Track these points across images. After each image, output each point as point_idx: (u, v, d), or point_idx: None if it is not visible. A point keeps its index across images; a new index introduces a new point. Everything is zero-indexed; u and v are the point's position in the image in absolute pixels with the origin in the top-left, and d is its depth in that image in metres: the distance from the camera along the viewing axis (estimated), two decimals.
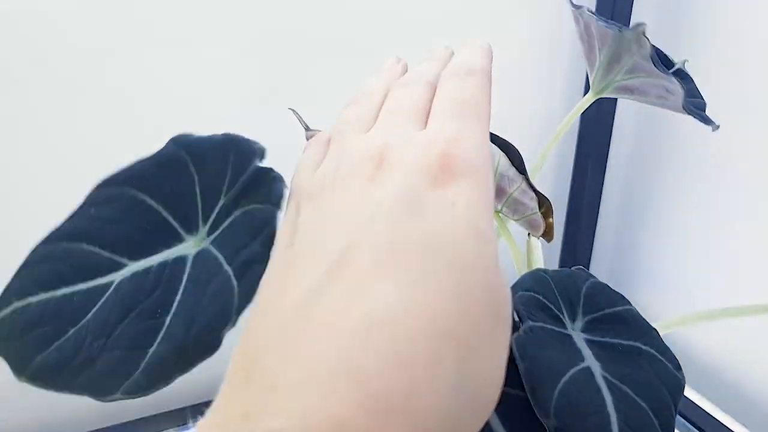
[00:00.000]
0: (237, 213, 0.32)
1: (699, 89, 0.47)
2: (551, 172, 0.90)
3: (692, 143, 0.76)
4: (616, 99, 0.82)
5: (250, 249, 0.30)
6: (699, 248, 0.78)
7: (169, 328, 0.28)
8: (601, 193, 0.88)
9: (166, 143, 0.35)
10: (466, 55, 0.29)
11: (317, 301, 0.20)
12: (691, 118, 0.46)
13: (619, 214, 0.89)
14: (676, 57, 0.44)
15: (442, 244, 0.21)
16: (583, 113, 0.86)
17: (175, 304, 0.29)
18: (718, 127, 0.42)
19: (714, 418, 0.70)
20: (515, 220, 0.42)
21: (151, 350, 0.27)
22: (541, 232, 0.41)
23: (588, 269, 0.95)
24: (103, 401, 0.27)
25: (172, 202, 0.34)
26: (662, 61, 0.47)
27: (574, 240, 0.88)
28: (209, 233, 0.33)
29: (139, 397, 0.27)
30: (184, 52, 0.66)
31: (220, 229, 0.32)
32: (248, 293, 0.29)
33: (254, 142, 0.32)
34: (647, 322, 0.37)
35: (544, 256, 0.43)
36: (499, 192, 0.42)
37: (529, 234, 0.41)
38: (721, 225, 0.75)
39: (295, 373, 0.18)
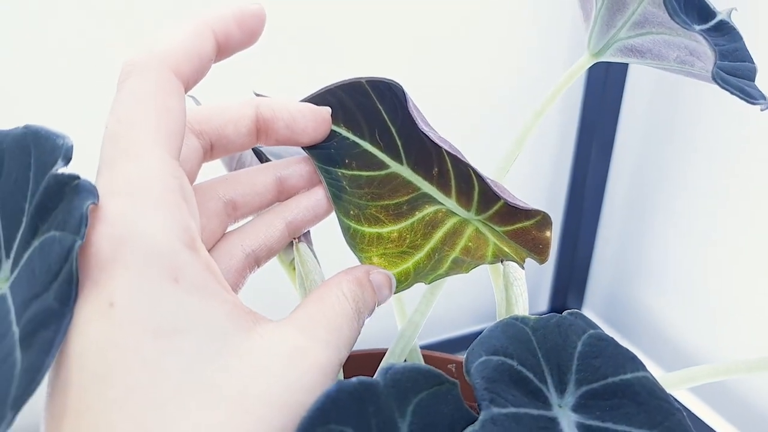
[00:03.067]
0: (35, 244, 0.20)
1: (749, 50, 0.34)
2: (549, 158, 0.78)
3: (722, 124, 0.64)
4: (625, 66, 0.69)
5: (43, 302, 0.19)
6: (714, 245, 0.67)
7: None
8: (605, 181, 0.76)
9: None
10: None
11: None
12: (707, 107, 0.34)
13: (625, 206, 0.78)
14: (719, 4, 0.32)
15: None
16: (587, 86, 0.75)
17: None
18: None
19: None
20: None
21: None
22: (524, 256, 0.30)
23: (589, 268, 0.84)
24: None
25: None
26: (695, 8, 0.34)
27: (575, 235, 0.76)
28: (12, 271, 0.21)
29: None
30: None
31: (19, 267, 0.21)
32: (29, 375, 0.18)
33: (58, 136, 0.21)
34: (669, 396, 0.25)
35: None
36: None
37: (501, 260, 0.30)
38: (736, 221, 0.63)
39: None
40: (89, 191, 0.19)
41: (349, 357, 0.26)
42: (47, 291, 0.19)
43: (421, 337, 0.77)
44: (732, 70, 0.33)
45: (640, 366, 0.26)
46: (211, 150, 0.28)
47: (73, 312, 0.19)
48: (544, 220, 0.30)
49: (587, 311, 0.87)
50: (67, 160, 0.20)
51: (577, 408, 0.25)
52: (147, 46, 0.23)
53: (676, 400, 0.26)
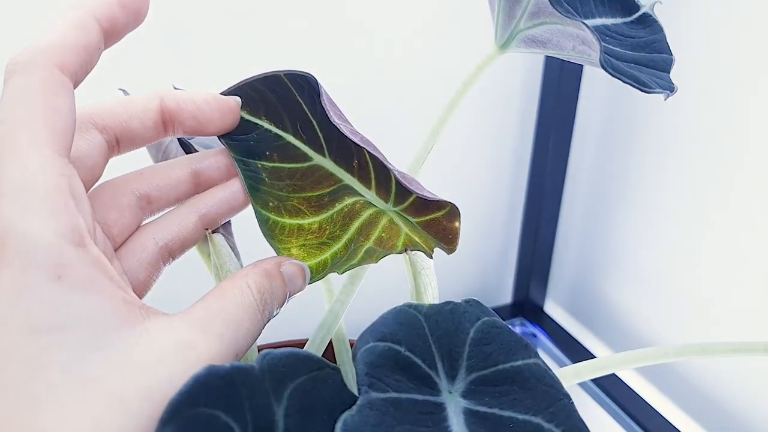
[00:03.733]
0: None
1: (668, 43, 0.35)
2: (509, 149, 0.78)
3: (666, 130, 0.65)
4: (581, 65, 0.69)
5: None
6: (675, 235, 0.67)
7: None
8: (565, 172, 0.77)
9: None
10: None
11: None
12: (684, 81, 0.34)
13: (586, 196, 0.78)
14: None
15: None
16: (545, 81, 0.75)
17: None
18: (668, 95, 0.31)
19: None
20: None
21: None
22: (431, 246, 0.30)
23: (551, 258, 0.85)
24: None
25: None
26: (619, 2, 0.35)
27: (536, 226, 0.77)
28: None
29: None
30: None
31: None
32: None
33: None
34: (557, 382, 0.26)
35: (502, 241, 0.31)
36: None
37: (405, 249, 0.30)
38: (698, 208, 0.64)
39: None
40: None
41: (270, 347, 0.26)
42: None
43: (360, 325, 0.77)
44: (646, 61, 0.34)
45: (533, 353, 0.27)
46: (117, 144, 0.28)
47: None
48: (453, 211, 0.30)
49: (550, 302, 0.88)
50: None
51: (467, 394, 0.25)
52: (30, 43, 0.23)
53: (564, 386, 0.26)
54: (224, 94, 0.30)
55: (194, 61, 0.58)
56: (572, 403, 0.25)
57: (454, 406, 0.25)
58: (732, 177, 0.60)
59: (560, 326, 0.82)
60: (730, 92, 0.58)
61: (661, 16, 0.37)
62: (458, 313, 0.27)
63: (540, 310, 0.86)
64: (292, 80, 0.30)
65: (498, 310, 0.90)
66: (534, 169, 0.76)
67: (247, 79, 0.30)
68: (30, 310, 0.20)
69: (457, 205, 0.30)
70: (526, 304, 0.86)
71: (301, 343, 0.36)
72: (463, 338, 0.26)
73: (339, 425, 0.22)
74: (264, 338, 0.31)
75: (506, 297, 0.89)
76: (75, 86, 0.24)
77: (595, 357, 0.79)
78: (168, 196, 0.30)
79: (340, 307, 0.33)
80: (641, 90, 0.28)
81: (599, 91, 0.72)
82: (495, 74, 0.72)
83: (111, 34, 0.25)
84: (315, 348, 0.34)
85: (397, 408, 0.23)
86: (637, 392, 0.67)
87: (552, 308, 0.87)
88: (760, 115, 0.56)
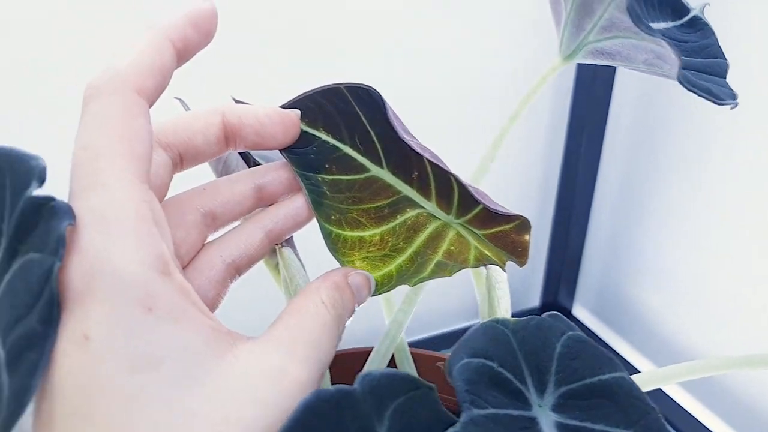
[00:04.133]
0: (15, 266, 0.21)
1: (721, 47, 0.35)
2: (539, 156, 0.78)
3: (698, 134, 0.65)
4: (612, 75, 0.70)
5: (26, 324, 0.19)
6: (698, 246, 0.68)
7: None
8: (596, 177, 0.77)
9: None
10: None
11: None
12: (696, 107, 0.34)
13: (616, 201, 0.78)
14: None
15: None
16: (576, 82, 0.75)
17: None
18: (735, 104, 0.31)
19: None
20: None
21: None
22: (505, 258, 0.31)
23: (580, 263, 0.85)
24: None
25: None
26: (669, 4, 0.35)
27: (566, 231, 0.77)
28: None
29: None
30: None
31: (1, 287, 0.21)
32: (18, 399, 0.18)
33: (31, 157, 0.21)
34: (644, 395, 0.26)
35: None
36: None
37: (484, 264, 0.30)
38: (727, 216, 0.64)
39: None
40: (65, 212, 0.20)
41: (335, 356, 0.27)
42: (30, 313, 0.19)
43: (411, 333, 0.78)
44: (702, 67, 0.34)
45: (618, 367, 0.27)
46: (180, 161, 0.28)
47: (56, 335, 0.19)
48: (523, 224, 0.30)
49: (579, 307, 0.88)
50: (41, 181, 0.21)
51: (557, 408, 0.26)
52: (108, 67, 0.23)
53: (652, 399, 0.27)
54: (284, 107, 0.30)
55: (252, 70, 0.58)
56: (660, 416, 0.25)
57: (546, 419, 0.25)
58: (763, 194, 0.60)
59: (589, 330, 0.83)
60: (765, 96, 0.58)
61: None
62: (544, 328, 0.27)
63: (568, 313, 0.86)
64: (352, 92, 0.30)
65: (525, 313, 0.90)
66: (565, 172, 0.76)
67: (307, 92, 0.31)
68: (126, 345, 0.20)
69: (527, 218, 0.30)
70: (555, 307, 0.86)
71: (364, 352, 0.36)
72: (550, 353, 0.27)
73: None
74: None
75: (534, 300, 0.90)
76: (149, 107, 0.24)
77: (623, 360, 0.79)
78: (232, 212, 0.30)
79: (403, 317, 0.34)
80: (715, 103, 0.28)
81: (631, 93, 0.72)
82: (526, 78, 0.72)
83: (183, 54, 0.25)
84: (381, 358, 0.34)
85: (496, 423, 0.23)
86: (680, 404, 0.68)
87: (580, 312, 0.88)
88: None
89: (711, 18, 0.36)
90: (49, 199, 0.20)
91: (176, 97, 0.37)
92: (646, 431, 0.25)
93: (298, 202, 0.31)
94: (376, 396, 0.22)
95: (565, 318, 0.28)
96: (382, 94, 0.30)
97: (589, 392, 0.26)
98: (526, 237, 0.31)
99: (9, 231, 0.21)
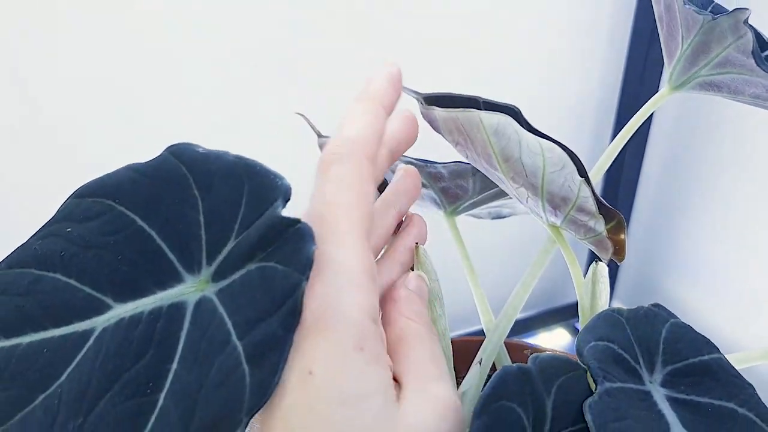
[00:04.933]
0: (251, 267, 0.25)
1: None
2: (585, 156, 0.82)
3: (738, 131, 0.69)
4: (661, 65, 0.74)
5: (267, 326, 0.23)
6: (736, 241, 0.72)
7: (162, 414, 0.22)
8: (638, 176, 0.81)
9: (162, 153, 0.29)
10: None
11: None
12: (739, 105, 0.38)
13: (656, 198, 0.83)
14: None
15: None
16: (623, 86, 0.80)
17: (170, 377, 0.23)
18: None
19: None
20: (579, 240, 0.35)
21: None
22: (609, 253, 0.35)
23: (618, 265, 0.90)
24: None
25: (169, 229, 0.27)
26: (760, 44, 0.39)
27: None
28: (214, 278, 0.26)
29: None
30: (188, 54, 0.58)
31: (229, 280, 0.25)
32: (261, 390, 0.22)
33: (277, 177, 0.25)
34: (740, 375, 0.31)
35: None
36: (559, 206, 0.35)
37: (595, 260, 0.35)
38: (758, 218, 0.68)
39: None
40: (310, 236, 0.23)
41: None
42: (271, 317, 0.23)
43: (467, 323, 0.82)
44: None
45: (715, 349, 0.31)
46: None
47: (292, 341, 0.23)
48: (619, 224, 0.35)
49: (616, 301, 0.92)
50: (286, 200, 0.25)
51: (665, 384, 0.30)
52: (342, 136, 0.27)
53: None
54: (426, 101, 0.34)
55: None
56: (756, 392, 0.30)
57: (657, 394, 0.30)
58: None
59: None
60: None
61: None
62: (651, 317, 0.32)
63: None
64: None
65: (563, 309, 0.95)
66: (609, 174, 0.80)
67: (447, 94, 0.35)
68: (341, 381, 0.22)
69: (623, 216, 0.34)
70: None
71: (475, 341, 0.40)
72: (657, 338, 0.31)
73: (586, 407, 0.26)
74: None
75: (572, 296, 0.94)
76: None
77: None
78: (381, 244, 0.33)
79: (513, 312, 0.38)
80: None
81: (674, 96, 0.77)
82: (570, 81, 0.76)
83: (389, 113, 0.29)
84: (492, 346, 0.38)
85: (624, 394, 0.28)
86: None
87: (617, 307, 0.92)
88: None
89: None
90: (296, 221, 0.24)
91: (298, 113, 0.41)
92: (744, 404, 0.29)
93: (423, 228, 0.35)
94: (544, 374, 0.27)
95: (667, 308, 0.33)
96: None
97: (692, 371, 0.31)
98: (622, 236, 0.35)
99: (246, 235, 0.25)
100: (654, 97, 0.37)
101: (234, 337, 0.24)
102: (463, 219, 0.46)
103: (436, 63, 0.67)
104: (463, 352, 0.39)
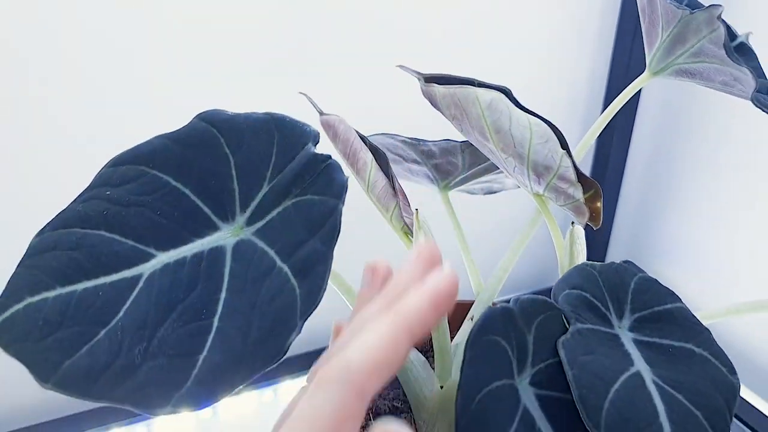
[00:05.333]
0: (287, 203, 0.29)
1: (762, 68, 0.43)
2: (573, 144, 0.87)
3: (721, 116, 0.73)
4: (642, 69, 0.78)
5: (310, 246, 0.27)
6: (723, 225, 0.76)
7: (220, 332, 0.26)
8: (626, 158, 0.86)
9: (192, 120, 0.33)
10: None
11: None
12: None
13: (643, 181, 0.87)
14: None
15: None
16: (608, 85, 0.84)
17: (220, 304, 0.27)
18: None
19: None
20: (559, 206, 0.39)
21: (202, 357, 0.25)
22: (586, 218, 0.39)
23: (608, 245, 0.94)
24: (153, 415, 0.25)
25: (202, 186, 0.31)
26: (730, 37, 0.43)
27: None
28: (249, 223, 0.30)
29: (199, 410, 0.25)
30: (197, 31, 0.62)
31: (265, 219, 0.29)
32: (311, 297, 0.26)
33: (305, 125, 0.29)
34: (699, 321, 0.35)
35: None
36: (542, 174, 0.39)
37: (572, 222, 0.39)
38: (742, 202, 0.73)
39: None
40: (341, 168, 0.27)
41: None
42: (312, 238, 0.27)
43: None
44: (761, 86, 0.42)
45: (678, 299, 0.36)
46: None
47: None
48: (596, 193, 0.39)
49: None
50: (316, 142, 0.28)
51: (632, 329, 0.34)
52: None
53: None
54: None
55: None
56: (712, 335, 0.34)
57: (624, 336, 0.34)
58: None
59: None
60: None
61: None
62: (621, 271, 0.36)
63: None
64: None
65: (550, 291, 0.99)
66: (597, 158, 0.85)
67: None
68: None
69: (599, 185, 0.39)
70: None
71: (467, 304, 0.45)
72: (626, 289, 0.35)
73: (560, 344, 0.31)
74: None
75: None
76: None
77: None
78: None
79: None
80: None
81: (655, 100, 0.81)
82: (561, 68, 0.80)
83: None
84: (483, 305, 0.42)
85: (593, 335, 0.32)
86: None
87: None
88: None
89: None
90: (328, 157, 0.28)
91: (300, 92, 0.44)
92: (700, 344, 0.33)
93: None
94: (525, 313, 0.31)
95: (636, 265, 0.37)
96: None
97: (656, 317, 0.35)
98: (598, 204, 0.39)
99: (280, 178, 0.29)
100: (635, 81, 0.41)
101: (279, 262, 0.28)
102: (456, 196, 0.50)
103: (433, 54, 0.72)
104: (456, 314, 0.43)
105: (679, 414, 0.30)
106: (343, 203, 0.27)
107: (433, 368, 0.40)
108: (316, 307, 0.26)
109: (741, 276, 0.77)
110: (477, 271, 0.48)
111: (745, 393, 0.69)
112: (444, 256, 0.38)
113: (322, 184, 0.28)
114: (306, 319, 0.25)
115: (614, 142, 0.81)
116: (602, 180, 0.85)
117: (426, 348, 0.45)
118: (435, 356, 0.40)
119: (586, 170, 0.88)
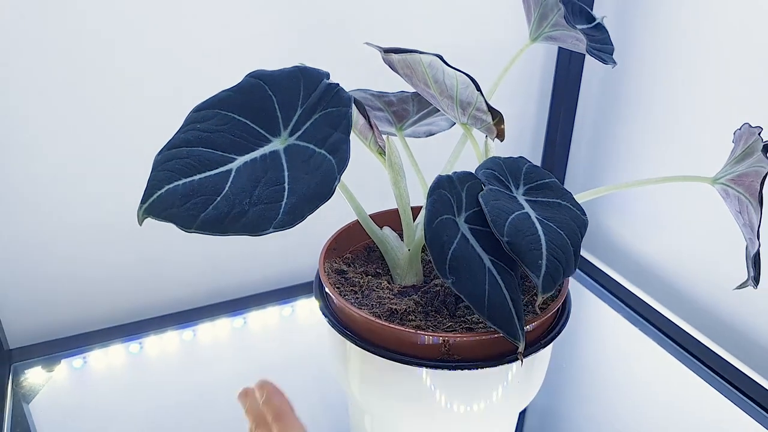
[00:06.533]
0: (316, 116, 0.49)
1: (611, 39, 0.66)
2: (531, 117, 1.10)
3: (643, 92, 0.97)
4: (583, 57, 1.02)
5: (336, 137, 0.48)
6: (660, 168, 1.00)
7: (290, 189, 0.45)
8: (572, 129, 1.09)
9: (243, 78, 0.52)
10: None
11: None
12: (641, 72, 0.63)
13: (587, 152, 1.10)
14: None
15: None
16: (557, 68, 1.08)
17: (287, 175, 0.46)
18: (615, 65, 0.62)
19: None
20: (477, 129, 0.61)
21: (284, 202, 0.45)
22: (494, 135, 0.60)
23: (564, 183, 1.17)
24: (259, 236, 0.43)
25: (257, 116, 0.51)
26: (585, 15, 0.66)
27: (551, 160, 1.10)
28: (291, 135, 0.50)
29: (286, 229, 0.43)
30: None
31: (302, 130, 0.49)
32: (342, 162, 0.46)
33: (319, 69, 0.50)
34: (565, 188, 0.57)
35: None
36: (466, 108, 0.60)
37: (486, 137, 0.60)
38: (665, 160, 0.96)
39: None
40: (345, 90, 0.48)
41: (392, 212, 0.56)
42: (336, 131, 0.47)
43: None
44: (600, 48, 0.65)
45: (553, 176, 0.57)
46: None
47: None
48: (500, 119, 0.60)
49: None
50: (328, 78, 0.49)
51: (525, 193, 0.56)
52: None
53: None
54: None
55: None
56: (570, 194, 0.56)
57: (519, 197, 0.55)
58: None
59: None
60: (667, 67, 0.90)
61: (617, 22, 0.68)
62: (517, 161, 0.57)
63: None
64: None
65: None
66: (549, 133, 1.08)
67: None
68: None
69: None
70: None
71: (394, 212, 0.65)
72: (520, 171, 0.57)
73: (480, 196, 0.52)
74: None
75: None
76: None
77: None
78: None
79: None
80: (603, 63, 0.59)
81: (597, 75, 1.04)
82: (520, 65, 1.03)
83: None
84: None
85: (499, 192, 0.53)
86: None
87: None
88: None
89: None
90: (337, 84, 0.48)
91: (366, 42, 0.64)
92: (565, 199, 0.55)
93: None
94: (460, 180, 0.52)
95: (528, 159, 0.58)
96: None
97: (539, 186, 0.56)
98: (502, 126, 0.61)
99: (308, 103, 0.49)
100: (522, 45, 0.63)
101: (317, 149, 0.48)
102: (410, 141, 0.71)
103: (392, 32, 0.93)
104: (415, 213, 0.64)
105: (549, 231, 0.51)
106: (351, 110, 0.47)
107: (403, 240, 0.61)
108: (345, 167, 0.46)
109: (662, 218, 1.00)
110: (426, 185, 0.68)
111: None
112: (406, 173, 0.59)
113: (336, 101, 0.48)
114: (341, 174, 0.45)
115: (561, 123, 1.04)
116: (554, 134, 1.07)
117: (399, 230, 0.65)
118: (404, 232, 0.61)
119: (543, 125, 1.11)
